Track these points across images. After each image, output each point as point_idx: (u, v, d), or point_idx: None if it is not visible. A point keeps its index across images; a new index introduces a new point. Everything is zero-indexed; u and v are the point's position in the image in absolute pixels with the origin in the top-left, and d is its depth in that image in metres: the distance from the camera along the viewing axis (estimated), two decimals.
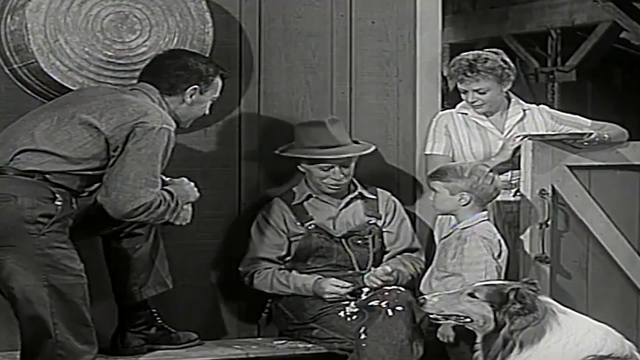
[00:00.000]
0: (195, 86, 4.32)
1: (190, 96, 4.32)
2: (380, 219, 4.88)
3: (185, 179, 4.37)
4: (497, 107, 5.07)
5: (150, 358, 4.51)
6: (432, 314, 4.02)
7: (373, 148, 4.88)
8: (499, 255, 4.50)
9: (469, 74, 4.95)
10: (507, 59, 5.05)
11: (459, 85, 5.03)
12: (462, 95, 5.05)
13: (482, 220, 4.55)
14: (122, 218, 4.13)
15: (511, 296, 3.86)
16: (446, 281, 4.47)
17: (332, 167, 4.75)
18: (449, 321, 4.04)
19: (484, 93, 4.99)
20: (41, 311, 3.96)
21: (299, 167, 4.82)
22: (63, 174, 4.05)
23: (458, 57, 5.04)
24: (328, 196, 4.84)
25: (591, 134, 4.93)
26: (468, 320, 3.96)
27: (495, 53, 5.04)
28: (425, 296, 4.07)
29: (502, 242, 4.54)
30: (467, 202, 4.53)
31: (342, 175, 4.76)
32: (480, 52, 5.06)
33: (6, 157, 4.04)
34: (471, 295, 3.95)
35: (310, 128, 4.79)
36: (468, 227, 4.52)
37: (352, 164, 4.80)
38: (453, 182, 4.54)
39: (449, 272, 4.49)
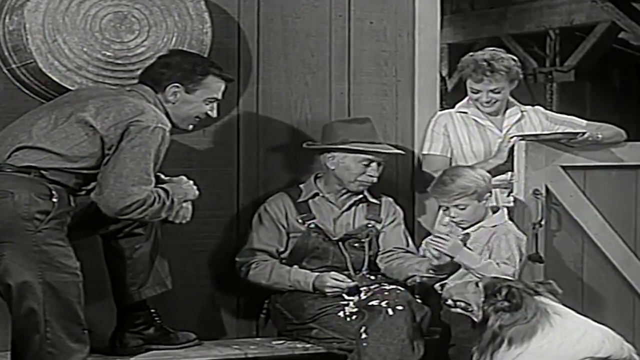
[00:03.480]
0: (177, 84, 4.28)
1: (174, 94, 4.30)
2: (380, 222, 4.89)
3: (184, 178, 4.36)
4: (504, 106, 5.09)
5: (149, 358, 4.51)
6: (445, 298, 4.14)
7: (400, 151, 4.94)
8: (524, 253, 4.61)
9: (488, 74, 4.96)
10: (516, 59, 5.08)
11: (474, 86, 5.01)
12: (474, 95, 5.03)
13: (506, 219, 4.64)
14: (116, 215, 4.12)
15: (503, 292, 3.92)
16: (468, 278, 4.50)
17: (373, 162, 4.76)
18: (456, 309, 4.11)
19: (499, 92, 5.00)
20: (34, 307, 3.96)
21: (327, 163, 4.78)
22: (59, 171, 4.06)
23: (472, 58, 5.02)
24: (334, 197, 4.85)
25: (584, 133, 4.93)
26: (470, 308, 4.04)
27: (503, 53, 5.06)
28: (447, 281, 4.34)
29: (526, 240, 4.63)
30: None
31: (378, 172, 4.78)
32: (491, 51, 5.05)
33: (4, 155, 4.05)
34: (476, 284, 4.05)
35: (355, 124, 4.80)
36: (497, 225, 4.59)
37: None
38: (479, 190, 4.56)
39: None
